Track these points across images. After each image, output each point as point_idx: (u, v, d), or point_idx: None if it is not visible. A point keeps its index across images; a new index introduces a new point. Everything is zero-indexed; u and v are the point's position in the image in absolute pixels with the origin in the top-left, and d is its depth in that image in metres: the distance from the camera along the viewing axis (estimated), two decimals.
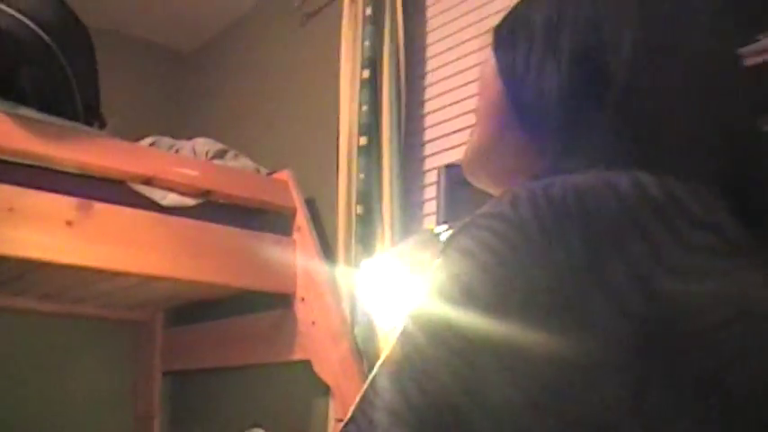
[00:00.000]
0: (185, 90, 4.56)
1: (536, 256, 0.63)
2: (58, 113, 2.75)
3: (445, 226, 1.66)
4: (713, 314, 0.63)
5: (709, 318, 0.63)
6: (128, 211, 2.71)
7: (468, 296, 0.64)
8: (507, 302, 0.63)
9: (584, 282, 0.62)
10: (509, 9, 0.97)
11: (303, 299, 2.98)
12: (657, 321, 0.62)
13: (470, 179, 1.01)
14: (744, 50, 1.98)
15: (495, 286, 0.64)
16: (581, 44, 0.81)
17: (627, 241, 0.63)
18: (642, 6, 0.81)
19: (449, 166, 2.10)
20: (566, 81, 0.81)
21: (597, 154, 0.75)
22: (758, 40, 1.98)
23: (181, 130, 3.99)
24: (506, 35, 0.91)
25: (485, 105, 0.95)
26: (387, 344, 0.72)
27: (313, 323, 2.92)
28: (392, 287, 1.64)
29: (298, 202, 3.17)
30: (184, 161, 3.11)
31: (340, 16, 3.38)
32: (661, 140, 0.76)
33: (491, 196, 0.87)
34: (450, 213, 1.96)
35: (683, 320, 0.62)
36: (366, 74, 3.09)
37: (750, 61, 1.94)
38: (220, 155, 3.39)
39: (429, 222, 2.93)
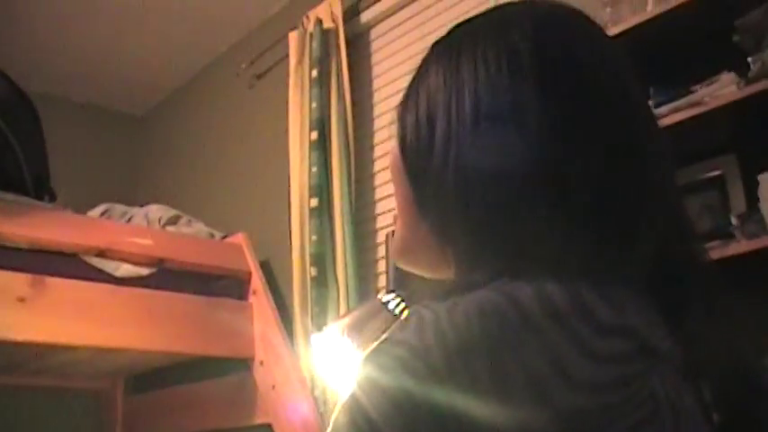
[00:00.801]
0: (137, 154, 4.57)
1: (440, 384, 0.64)
2: (7, 189, 2.75)
3: (393, 294, 1.67)
4: (622, 422, 0.64)
5: (620, 425, 0.64)
6: (81, 284, 2.70)
7: (369, 422, 0.66)
8: (411, 425, 0.64)
9: (488, 400, 0.63)
10: (406, 89, 0.91)
11: (262, 362, 2.97)
12: None
13: (400, 266, 0.99)
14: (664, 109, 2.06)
15: (401, 418, 0.65)
16: (481, 144, 0.78)
17: (531, 358, 0.63)
18: (540, 87, 0.77)
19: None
20: (463, 181, 0.78)
21: (501, 264, 0.74)
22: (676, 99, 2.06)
23: (134, 195, 4.00)
24: (407, 126, 0.87)
25: (397, 196, 0.93)
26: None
27: (273, 387, 2.91)
28: (341, 360, 1.65)
29: (253, 265, 3.17)
30: (137, 231, 3.11)
31: (287, 77, 3.43)
32: (565, 245, 0.73)
33: None
34: (399, 278, 1.99)
35: (586, 430, 0.63)
36: (314, 135, 3.13)
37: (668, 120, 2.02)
38: (173, 221, 3.39)
39: (384, 281, 2.96)
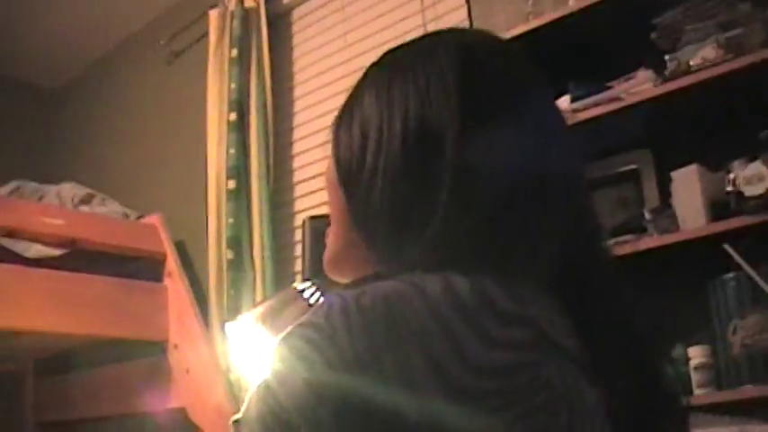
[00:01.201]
0: (50, 129, 4.45)
1: (344, 363, 0.68)
2: None
3: (308, 283, 1.66)
4: (519, 405, 0.69)
5: (516, 408, 0.69)
6: None
7: (280, 405, 0.70)
8: (318, 408, 0.68)
9: (391, 382, 0.67)
10: (341, 108, 0.96)
11: (176, 346, 2.94)
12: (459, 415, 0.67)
13: (332, 278, 1.03)
14: (576, 105, 2.10)
15: (313, 398, 0.68)
16: (408, 154, 0.83)
17: (431, 342, 0.68)
18: (464, 103, 0.83)
19: (313, 218, 2.11)
20: (392, 191, 0.83)
21: (414, 260, 0.78)
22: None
23: (46, 172, 3.89)
24: (341, 142, 0.91)
25: (332, 209, 0.96)
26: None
27: (187, 370, 2.89)
28: (255, 348, 1.64)
29: (168, 246, 3.13)
30: (49, 210, 3.04)
31: (205, 55, 3.38)
32: (477, 245, 0.79)
33: None
34: (316, 266, 1.98)
35: (484, 412, 0.68)
36: (233, 116, 3.10)
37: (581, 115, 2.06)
38: (87, 200, 3.32)
39: (301, 265, 2.94)
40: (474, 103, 0.83)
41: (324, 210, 2.96)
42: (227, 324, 2.00)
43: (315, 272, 2.04)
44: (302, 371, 0.69)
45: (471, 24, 2.72)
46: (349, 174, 0.89)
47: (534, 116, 0.86)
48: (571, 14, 2.16)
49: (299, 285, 1.66)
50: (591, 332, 0.80)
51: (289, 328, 0.74)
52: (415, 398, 0.67)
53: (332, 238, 0.97)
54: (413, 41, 0.95)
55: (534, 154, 0.84)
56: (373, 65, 0.95)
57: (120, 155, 3.96)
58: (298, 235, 3.06)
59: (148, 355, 3.10)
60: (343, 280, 0.99)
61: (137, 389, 3.12)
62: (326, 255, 1.00)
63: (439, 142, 0.81)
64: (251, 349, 1.66)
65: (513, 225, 0.80)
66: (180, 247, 3.22)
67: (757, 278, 1.83)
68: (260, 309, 1.68)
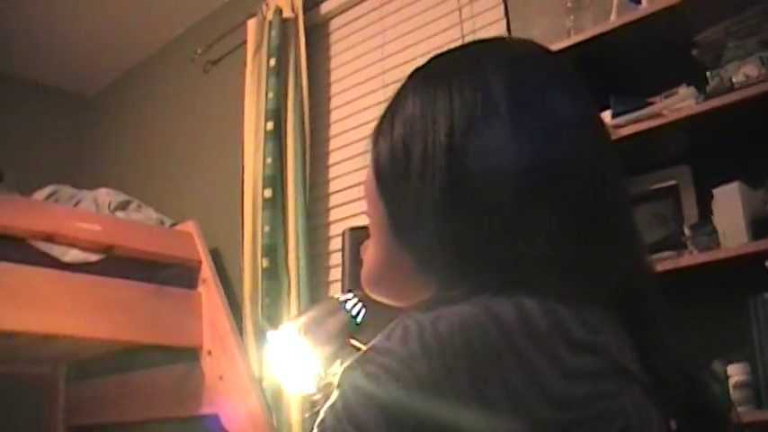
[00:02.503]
0: (88, 136, 4.49)
1: (425, 393, 0.67)
2: None
3: (350, 294, 1.67)
4: None
5: None
6: (28, 269, 2.66)
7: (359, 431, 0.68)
8: None
9: (469, 410, 0.66)
10: (384, 109, 0.93)
11: (210, 352, 2.96)
12: None
13: (371, 296, 0.99)
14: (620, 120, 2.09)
15: (387, 425, 0.67)
16: (456, 166, 0.81)
17: (509, 371, 0.67)
18: (513, 123, 0.81)
19: (353, 229, 2.12)
20: (443, 204, 0.81)
21: (482, 280, 0.76)
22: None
23: (82, 177, 3.94)
24: (382, 151, 0.90)
25: (372, 221, 0.94)
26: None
27: (221, 377, 2.90)
28: (298, 358, 1.65)
29: (203, 254, 3.15)
30: (86, 216, 3.07)
31: (242, 64, 3.40)
32: (545, 265, 0.77)
33: None
34: (356, 276, 1.99)
35: None
36: (270, 125, 3.11)
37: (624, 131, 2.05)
38: (123, 206, 3.35)
39: (336, 275, 2.96)
40: (523, 118, 0.82)
41: (361, 221, 2.98)
42: (268, 333, 2.02)
43: (355, 283, 2.05)
44: (380, 397, 0.68)
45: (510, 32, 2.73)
46: (390, 184, 0.88)
47: (582, 131, 0.86)
48: (612, 30, 2.15)
49: (341, 296, 1.67)
50: (649, 352, 0.79)
51: (362, 353, 0.73)
52: (492, 425, 0.66)
53: (371, 252, 0.95)
54: (458, 49, 0.93)
55: (589, 170, 0.83)
56: (417, 71, 0.93)
57: (154, 162, 4.00)
58: (332, 244, 3.08)
59: (181, 361, 3.12)
60: (383, 297, 0.97)
61: (169, 394, 3.15)
62: (365, 270, 0.97)
63: (491, 158, 0.80)
64: (291, 358, 1.67)
65: (580, 244, 0.80)
66: (214, 255, 3.25)
67: None
68: (302, 319, 1.69)
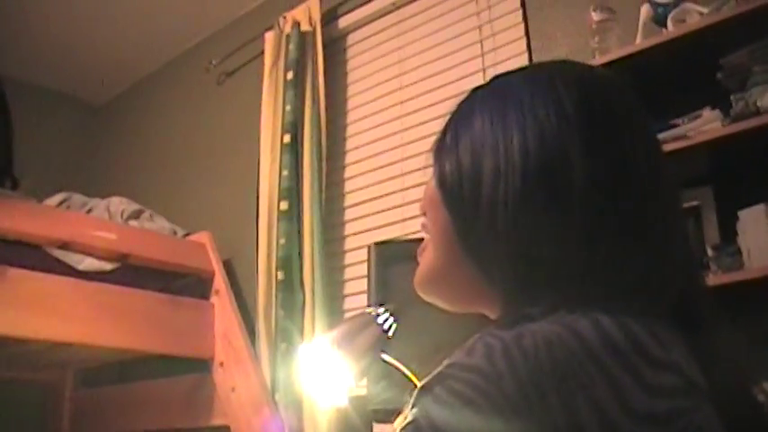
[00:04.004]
0: (100, 144, 4.50)
1: (514, 409, 0.67)
2: None
3: (382, 308, 1.68)
4: None
5: None
6: (43, 276, 2.65)
7: None
8: None
9: (559, 427, 0.66)
10: (448, 119, 0.95)
11: (222, 364, 2.95)
12: None
13: (421, 295, 1.01)
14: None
15: None
16: (529, 183, 0.83)
17: (595, 387, 0.67)
18: (585, 140, 0.83)
19: (379, 244, 2.13)
20: (516, 220, 0.82)
21: (557, 297, 0.77)
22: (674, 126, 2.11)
23: (93, 185, 3.93)
24: (447, 163, 0.91)
25: (434, 230, 0.95)
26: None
27: (233, 389, 2.89)
28: (331, 371, 1.65)
29: (216, 264, 3.14)
30: (101, 224, 3.06)
31: (258, 76, 3.41)
32: (613, 279, 0.79)
33: None
34: (381, 291, 2.00)
35: None
36: (287, 138, 3.12)
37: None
38: (136, 215, 3.35)
39: (351, 289, 2.97)
40: (594, 134, 0.84)
41: (378, 235, 2.99)
42: (301, 345, 2.02)
43: (381, 297, 2.06)
44: (469, 416, 0.68)
45: (531, 57, 2.75)
46: (458, 198, 0.89)
47: (645, 146, 0.88)
48: (638, 52, 2.17)
49: (374, 311, 1.67)
50: (709, 367, 0.80)
51: (442, 369, 0.72)
52: None
53: (430, 256, 0.96)
54: (523, 70, 0.96)
55: (652, 185, 0.85)
56: (480, 88, 0.96)
57: (167, 172, 4.00)
58: (348, 258, 3.08)
59: (193, 371, 3.11)
60: (436, 298, 0.99)
61: (179, 405, 3.14)
62: (422, 272, 0.98)
63: (564, 173, 0.82)
64: (324, 371, 1.66)
65: (645, 257, 0.82)
66: (227, 266, 3.24)
67: None
68: (334, 332, 1.69)
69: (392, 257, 2.05)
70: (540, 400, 0.67)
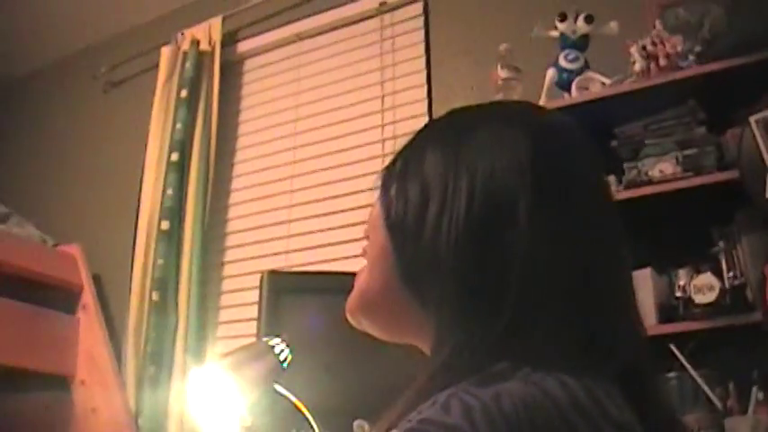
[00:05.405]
0: None
1: None
2: None
3: (278, 339, 1.66)
4: None
5: None
6: None
7: None
8: None
9: None
10: (400, 148, 0.94)
11: (84, 382, 2.83)
12: None
13: (352, 322, 0.98)
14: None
15: None
16: (474, 228, 0.82)
17: None
18: (535, 185, 0.82)
19: (273, 273, 2.10)
20: (458, 263, 0.82)
21: (516, 353, 0.77)
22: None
23: None
24: (395, 192, 0.90)
25: (373, 254, 0.94)
26: None
27: (93, 409, 2.77)
28: (222, 398, 1.61)
29: (85, 279, 3.03)
30: None
31: (148, 90, 3.33)
32: (570, 340, 0.79)
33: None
34: (273, 321, 1.97)
35: None
36: (175, 157, 3.05)
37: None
38: (3, 219, 3.19)
39: (227, 316, 2.92)
40: (545, 187, 0.82)
41: (261, 264, 2.93)
42: (192, 369, 1.96)
43: (272, 326, 2.02)
44: None
45: (430, 105, 2.80)
46: (401, 228, 0.88)
47: (597, 205, 0.88)
48: None
49: (270, 341, 1.66)
50: (652, 421, 0.82)
51: (415, 424, 0.70)
52: None
53: (367, 278, 0.94)
54: (482, 107, 0.94)
55: (599, 244, 0.85)
56: (437, 121, 0.95)
57: (40, 176, 3.80)
58: (225, 285, 3.02)
59: (50, 389, 2.95)
60: (369, 324, 0.97)
61: (33, 424, 2.97)
62: (356, 296, 0.96)
63: (509, 224, 0.80)
64: (214, 397, 1.63)
65: (598, 319, 0.82)
66: (97, 281, 3.12)
67: (699, 379, 1.92)
68: (229, 359, 1.65)
69: (285, 288, 2.03)
70: None
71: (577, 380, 0.73)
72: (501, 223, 0.81)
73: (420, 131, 0.95)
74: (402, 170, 0.91)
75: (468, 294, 0.81)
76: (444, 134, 0.90)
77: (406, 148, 0.94)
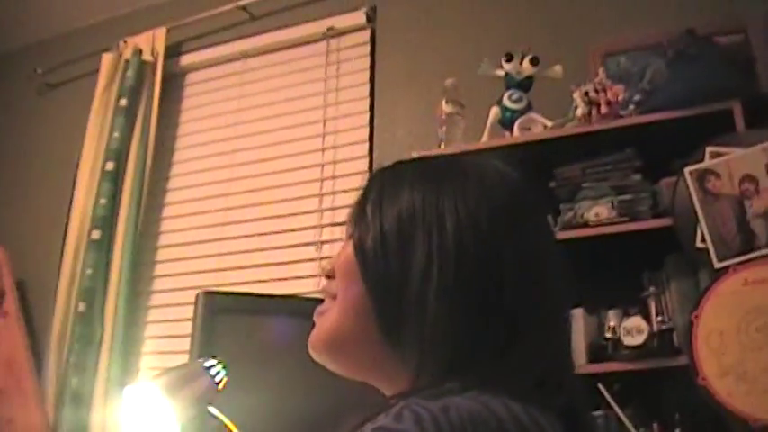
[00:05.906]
0: None
1: None
2: None
3: (215, 361, 1.65)
4: None
5: None
6: None
7: None
8: None
9: None
10: (366, 187, 0.95)
11: (1, 391, 2.75)
12: None
13: (314, 356, 0.98)
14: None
15: None
16: (465, 275, 0.85)
17: None
18: (513, 236, 0.88)
19: (209, 294, 2.07)
20: (448, 311, 0.85)
21: (469, 379, 0.81)
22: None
23: None
24: (369, 231, 0.91)
25: (346, 298, 0.94)
26: None
27: (9, 420, 2.70)
28: (155, 418, 1.59)
29: (8, 284, 2.96)
30: None
31: (86, 95, 3.28)
32: (519, 370, 0.84)
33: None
34: (207, 341, 1.95)
35: None
36: (110, 166, 3.01)
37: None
38: None
39: (153, 331, 2.88)
40: (518, 236, 0.89)
41: (190, 281, 2.88)
42: (126, 387, 1.93)
43: (206, 347, 2.00)
44: None
45: (371, 134, 2.81)
46: (381, 275, 0.89)
47: (550, 249, 0.94)
48: (482, 149, 2.26)
49: (206, 362, 1.65)
50: None
51: (365, 428, 0.74)
52: None
53: (334, 320, 0.95)
54: (449, 158, 1.01)
55: (552, 284, 0.92)
56: (404, 163, 0.98)
57: None
58: (153, 300, 2.98)
59: None
60: (334, 362, 0.97)
61: None
62: (322, 335, 0.96)
63: (496, 272, 0.86)
64: (146, 417, 1.61)
65: (544, 355, 0.87)
66: (21, 287, 3.05)
67: (624, 419, 1.97)
68: (164, 378, 1.64)
69: (221, 308, 2.01)
70: None
71: (521, 405, 0.78)
72: (489, 276, 0.86)
73: (386, 170, 0.97)
74: (375, 211, 0.92)
75: (451, 350, 0.85)
76: (421, 176, 0.93)
77: (374, 188, 0.95)
